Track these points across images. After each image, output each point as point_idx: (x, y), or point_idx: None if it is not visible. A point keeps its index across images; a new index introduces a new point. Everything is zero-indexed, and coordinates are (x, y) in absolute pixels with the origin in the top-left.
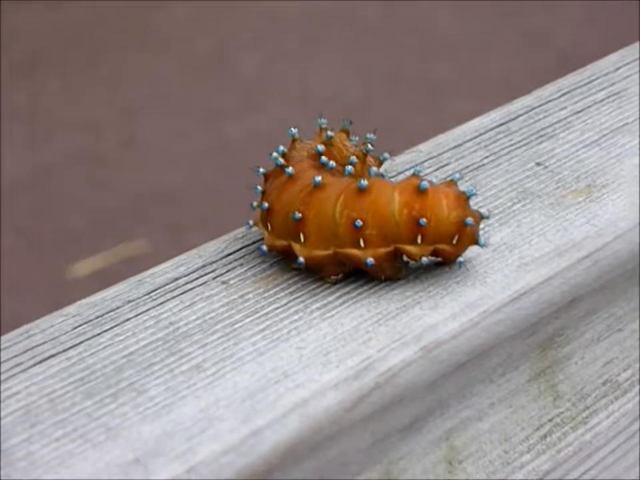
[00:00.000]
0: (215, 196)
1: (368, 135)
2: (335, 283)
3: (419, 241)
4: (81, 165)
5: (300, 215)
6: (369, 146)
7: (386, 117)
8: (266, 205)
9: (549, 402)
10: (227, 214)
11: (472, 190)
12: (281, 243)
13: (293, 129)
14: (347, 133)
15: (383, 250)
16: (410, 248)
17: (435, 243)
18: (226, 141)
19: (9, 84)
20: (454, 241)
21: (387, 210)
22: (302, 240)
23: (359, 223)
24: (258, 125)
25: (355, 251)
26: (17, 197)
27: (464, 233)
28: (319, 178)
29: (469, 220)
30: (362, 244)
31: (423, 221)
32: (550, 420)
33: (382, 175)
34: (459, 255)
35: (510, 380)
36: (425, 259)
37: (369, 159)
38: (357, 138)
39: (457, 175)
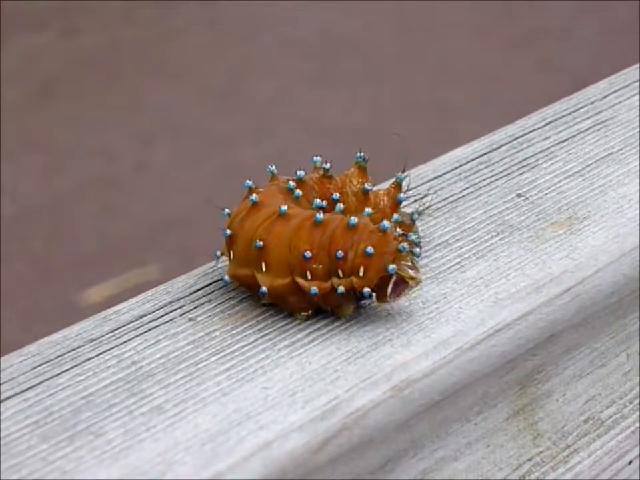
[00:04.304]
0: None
1: (397, 175)
2: (306, 320)
3: (341, 274)
4: (94, 192)
5: (261, 242)
6: (366, 185)
7: (398, 144)
8: (228, 231)
9: (528, 441)
10: None
11: (385, 225)
12: (243, 271)
13: (270, 166)
14: (363, 169)
15: (326, 284)
16: (335, 280)
17: (350, 276)
18: (239, 166)
19: (23, 111)
20: (360, 273)
21: (326, 244)
22: (263, 269)
23: (308, 254)
24: (271, 151)
25: (302, 281)
26: (30, 224)
27: (369, 264)
28: (284, 207)
29: (369, 249)
30: (308, 276)
31: (340, 253)
32: (529, 459)
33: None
34: (365, 286)
35: (487, 418)
36: (341, 288)
37: (382, 199)
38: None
39: (368, 210)
